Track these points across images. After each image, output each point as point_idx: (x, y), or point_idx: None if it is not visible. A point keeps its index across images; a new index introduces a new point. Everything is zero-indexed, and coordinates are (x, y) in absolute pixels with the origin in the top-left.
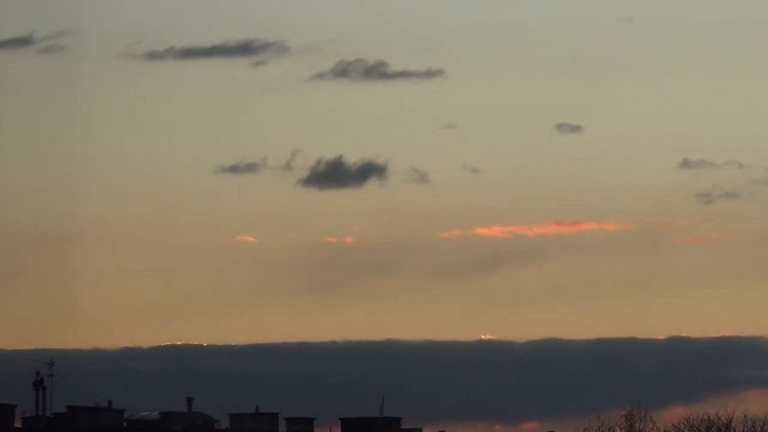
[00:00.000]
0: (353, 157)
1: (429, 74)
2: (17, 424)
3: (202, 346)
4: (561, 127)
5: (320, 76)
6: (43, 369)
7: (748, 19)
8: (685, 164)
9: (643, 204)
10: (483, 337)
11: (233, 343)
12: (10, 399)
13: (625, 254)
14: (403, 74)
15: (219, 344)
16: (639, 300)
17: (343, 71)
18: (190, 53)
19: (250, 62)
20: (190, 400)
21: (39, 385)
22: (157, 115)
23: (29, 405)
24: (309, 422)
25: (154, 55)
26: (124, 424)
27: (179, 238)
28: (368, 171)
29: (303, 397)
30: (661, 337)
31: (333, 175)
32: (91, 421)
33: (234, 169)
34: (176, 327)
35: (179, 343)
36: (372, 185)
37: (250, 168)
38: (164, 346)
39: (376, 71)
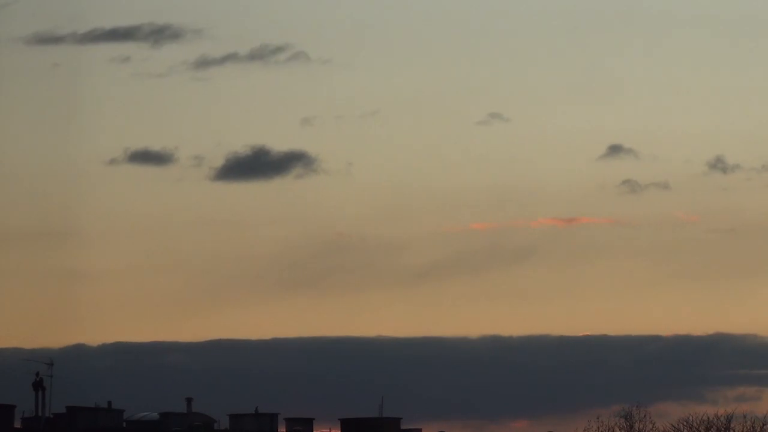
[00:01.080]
0: (276, 146)
1: (352, 62)
2: (17, 425)
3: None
4: (489, 117)
5: (235, 60)
6: (42, 369)
7: (682, 5)
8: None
9: (573, 197)
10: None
11: (191, 340)
12: (9, 400)
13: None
14: (326, 62)
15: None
16: (612, 298)
17: (259, 57)
18: (100, 37)
19: (162, 46)
20: (189, 400)
21: (38, 385)
22: (65, 102)
23: (29, 406)
24: (308, 423)
25: (58, 39)
26: (124, 424)
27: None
28: (291, 160)
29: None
30: (635, 334)
31: (255, 164)
32: (90, 421)
33: (146, 157)
34: (133, 325)
35: (132, 341)
36: (296, 175)
37: (162, 158)
38: (113, 344)
39: (298, 58)
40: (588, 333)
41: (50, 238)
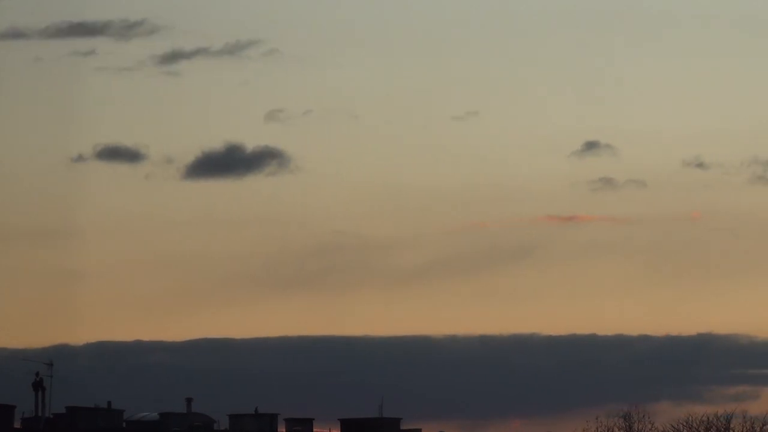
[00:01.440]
0: (249, 143)
1: (325, 59)
2: (17, 425)
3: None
4: (463, 114)
5: (207, 55)
6: (41, 369)
7: (663, 3)
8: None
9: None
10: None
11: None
12: (9, 400)
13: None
14: (300, 58)
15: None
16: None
17: (231, 52)
18: (67, 32)
19: (132, 40)
20: (189, 400)
21: (38, 386)
22: (36, 97)
23: (29, 406)
24: (308, 423)
25: (17, 35)
26: (124, 424)
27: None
28: (264, 158)
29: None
30: (625, 333)
31: (228, 162)
32: (90, 422)
33: (116, 154)
34: (116, 324)
35: (116, 340)
36: (269, 173)
37: (133, 155)
38: (96, 343)
39: (271, 54)
40: (576, 332)
41: (27, 236)
